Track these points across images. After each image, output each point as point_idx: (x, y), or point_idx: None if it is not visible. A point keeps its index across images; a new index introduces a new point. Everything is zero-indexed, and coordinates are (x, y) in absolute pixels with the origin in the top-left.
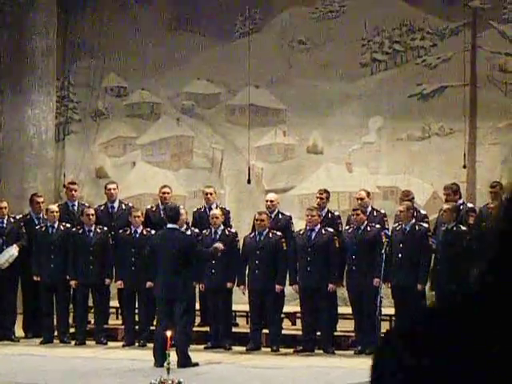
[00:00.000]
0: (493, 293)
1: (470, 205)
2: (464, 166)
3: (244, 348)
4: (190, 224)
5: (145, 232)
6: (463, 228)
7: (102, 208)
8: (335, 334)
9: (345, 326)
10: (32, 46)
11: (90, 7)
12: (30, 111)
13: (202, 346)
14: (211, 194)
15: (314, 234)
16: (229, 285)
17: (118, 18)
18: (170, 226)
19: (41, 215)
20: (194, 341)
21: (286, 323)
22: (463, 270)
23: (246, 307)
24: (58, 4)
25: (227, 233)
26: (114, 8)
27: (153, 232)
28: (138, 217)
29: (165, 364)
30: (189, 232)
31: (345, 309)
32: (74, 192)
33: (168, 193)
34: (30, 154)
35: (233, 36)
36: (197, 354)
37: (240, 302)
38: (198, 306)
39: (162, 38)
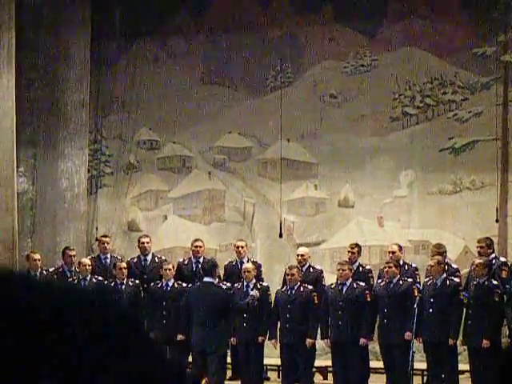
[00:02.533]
0: None
1: (502, 259)
2: (496, 221)
3: None
4: (222, 277)
5: (176, 285)
6: (495, 282)
7: (134, 261)
8: None
9: (377, 381)
10: (65, 99)
11: (122, 61)
12: (62, 165)
13: None
14: (243, 247)
15: (345, 288)
16: (260, 339)
17: (151, 71)
18: (206, 279)
19: (73, 268)
20: None
21: (318, 378)
22: (495, 325)
23: (278, 361)
24: (92, 58)
25: (259, 286)
26: (146, 62)
27: (184, 285)
28: (170, 270)
29: None
30: (224, 286)
31: (376, 363)
32: (106, 245)
33: (201, 246)
34: (63, 207)
35: (264, 90)
36: None
37: (272, 355)
38: (229, 359)
39: (194, 92)
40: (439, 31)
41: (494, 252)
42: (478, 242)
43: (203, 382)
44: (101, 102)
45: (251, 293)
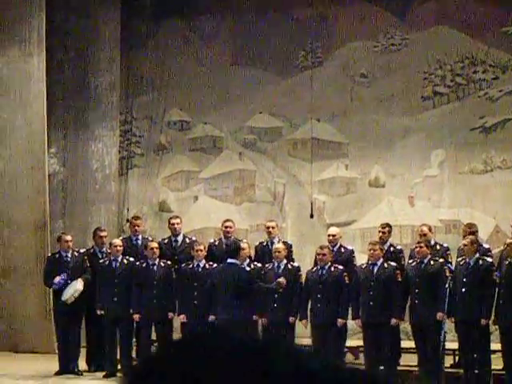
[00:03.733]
0: None
1: None
2: None
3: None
4: (253, 258)
5: (207, 266)
6: None
7: (165, 242)
8: (398, 368)
9: (408, 361)
10: (96, 80)
11: (152, 42)
12: (93, 146)
13: None
14: (273, 227)
15: (376, 268)
16: (291, 319)
17: (181, 52)
18: (229, 260)
19: (104, 249)
20: None
21: (349, 357)
22: None
23: (309, 341)
24: (122, 39)
25: (290, 267)
26: (176, 43)
27: (215, 266)
28: (201, 250)
29: None
30: (247, 267)
31: (408, 343)
32: (137, 226)
33: (231, 227)
34: (94, 188)
35: (294, 70)
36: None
37: (303, 336)
38: None
39: (225, 73)
40: (470, 10)
41: None
42: None
43: None
44: (131, 82)
45: (278, 280)
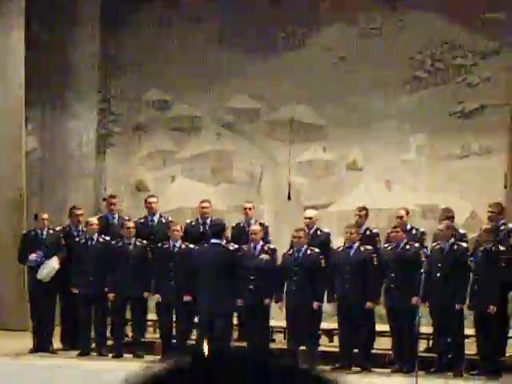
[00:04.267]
0: None
1: (511, 225)
2: (505, 187)
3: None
4: (229, 238)
5: (183, 246)
6: (502, 248)
7: (141, 221)
8: (372, 351)
9: (382, 344)
10: (74, 59)
11: (133, 22)
12: (71, 124)
13: None
14: (250, 209)
15: (352, 252)
16: (266, 301)
17: (161, 32)
18: (213, 240)
19: (80, 227)
20: None
21: (324, 340)
22: (501, 290)
23: (284, 323)
24: (102, 17)
25: (266, 248)
26: (157, 23)
27: (191, 246)
28: (177, 231)
29: None
30: (232, 247)
31: (382, 326)
32: (113, 205)
33: (208, 207)
34: (71, 166)
35: (275, 52)
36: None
37: (278, 318)
38: (235, 321)
39: (204, 53)
40: None
41: (503, 218)
42: (489, 206)
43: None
44: (110, 61)
45: (261, 256)
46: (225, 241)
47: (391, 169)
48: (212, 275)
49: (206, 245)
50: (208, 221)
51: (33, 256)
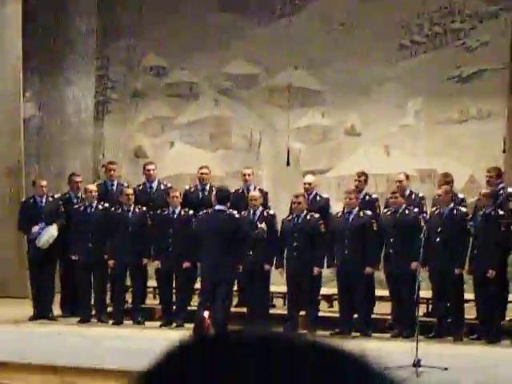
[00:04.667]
0: None
1: (510, 189)
2: (504, 151)
3: (281, 329)
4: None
5: (183, 212)
6: (501, 213)
7: (140, 188)
8: (372, 316)
9: (382, 309)
10: (71, 25)
11: None
12: (69, 90)
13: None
14: (249, 175)
15: (351, 217)
16: (266, 267)
17: None
18: (218, 207)
19: (79, 194)
20: (231, 322)
21: (323, 305)
22: (501, 255)
23: (284, 289)
24: None
25: (265, 214)
26: None
27: (191, 212)
28: (177, 197)
29: None
30: (237, 214)
31: (382, 291)
32: (112, 172)
33: (207, 173)
34: (69, 133)
35: (273, 17)
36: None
37: (277, 283)
38: (235, 287)
39: (202, 19)
40: None
41: (502, 182)
42: (488, 171)
43: (207, 314)
44: (108, 28)
45: (259, 225)
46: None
47: (390, 134)
48: (216, 242)
49: (210, 211)
50: (207, 187)
51: (35, 228)
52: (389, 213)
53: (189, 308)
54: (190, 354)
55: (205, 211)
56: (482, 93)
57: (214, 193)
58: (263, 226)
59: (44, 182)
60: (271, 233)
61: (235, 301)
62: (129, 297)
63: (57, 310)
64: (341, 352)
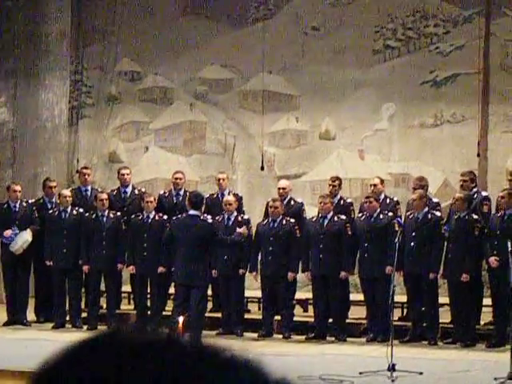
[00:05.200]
0: None
1: (484, 193)
2: (478, 155)
3: (256, 334)
4: (203, 210)
5: (157, 217)
6: (475, 217)
7: (114, 193)
8: (347, 321)
9: (357, 314)
10: (46, 30)
11: None
12: (43, 95)
13: (214, 332)
14: (224, 179)
15: (326, 222)
16: (241, 271)
17: (133, 2)
18: (191, 212)
19: (54, 200)
20: (206, 327)
21: (298, 310)
22: (475, 259)
23: (259, 293)
24: None
25: (240, 219)
26: None
27: (165, 217)
28: (151, 202)
29: None
30: (210, 219)
31: (357, 296)
32: (86, 176)
33: (181, 178)
34: (44, 138)
35: (247, 22)
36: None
37: (252, 288)
38: (210, 292)
39: (177, 23)
40: None
41: (476, 186)
42: (462, 175)
43: (182, 319)
44: (82, 32)
45: (239, 230)
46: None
47: (364, 138)
48: (189, 247)
49: (183, 216)
50: (181, 192)
51: (8, 232)
52: (363, 217)
53: (164, 313)
54: (74, 354)
55: (179, 216)
56: (455, 97)
57: (188, 198)
58: (242, 230)
59: (18, 187)
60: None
61: (210, 305)
62: (103, 302)
63: (31, 316)
64: (229, 361)
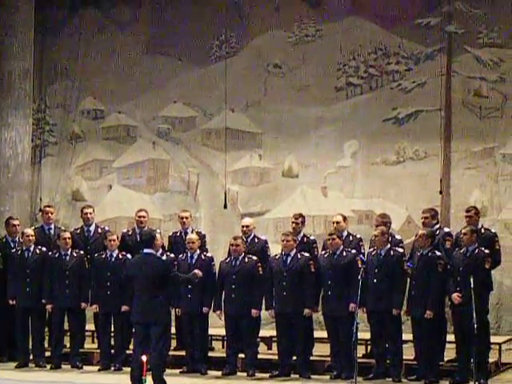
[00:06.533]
0: None
1: (446, 229)
2: (440, 192)
3: (220, 372)
4: (166, 248)
5: (120, 256)
6: (438, 253)
7: (78, 232)
8: (311, 358)
9: (321, 351)
10: (9, 68)
11: (67, 30)
12: (6, 133)
13: (178, 371)
14: (187, 218)
15: (289, 259)
16: (205, 309)
17: (96, 40)
18: (145, 250)
19: (16, 238)
20: (169, 365)
21: (262, 347)
22: (438, 296)
23: (222, 331)
24: (35, 27)
25: (203, 257)
26: (91, 31)
27: (129, 256)
28: (114, 240)
29: None
30: (164, 257)
31: (321, 333)
32: (49, 215)
33: (144, 217)
34: (6, 176)
35: (209, 60)
36: (172, 378)
37: (216, 326)
38: (173, 330)
39: (139, 62)
40: (383, 1)
41: (438, 223)
42: (423, 212)
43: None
44: (45, 70)
45: (194, 271)
46: (161, 250)
47: (327, 175)
48: (145, 285)
49: (138, 255)
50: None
51: None
52: (326, 254)
53: (127, 352)
54: None
55: (136, 255)
56: (418, 134)
57: (139, 237)
58: (197, 271)
59: None
60: (209, 275)
61: (173, 344)
62: (67, 341)
63: None
64: None
